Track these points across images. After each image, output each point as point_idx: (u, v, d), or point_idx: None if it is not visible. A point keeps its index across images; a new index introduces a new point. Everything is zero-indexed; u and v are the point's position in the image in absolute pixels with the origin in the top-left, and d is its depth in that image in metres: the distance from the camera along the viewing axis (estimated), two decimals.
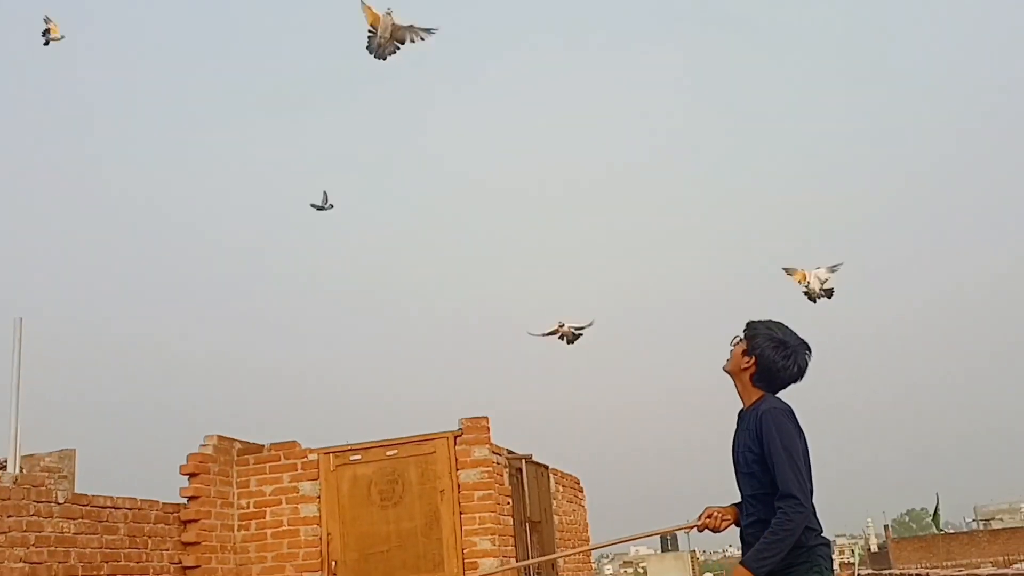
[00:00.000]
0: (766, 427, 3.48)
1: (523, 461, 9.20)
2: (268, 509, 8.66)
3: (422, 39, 8.23)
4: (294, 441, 8.76)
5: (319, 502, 8.43)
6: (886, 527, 59.31)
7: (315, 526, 8.42)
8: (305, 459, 8.61)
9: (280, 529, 8.58)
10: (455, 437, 8.21)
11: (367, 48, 8.23)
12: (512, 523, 8.58)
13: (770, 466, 3.46)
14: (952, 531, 69.05)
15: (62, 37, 11.02)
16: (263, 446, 8.86)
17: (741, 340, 3.65)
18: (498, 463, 8.42)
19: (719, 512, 3.71)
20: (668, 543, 65.39)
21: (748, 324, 3.66)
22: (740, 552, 3.53)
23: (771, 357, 3.55)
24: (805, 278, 10.02)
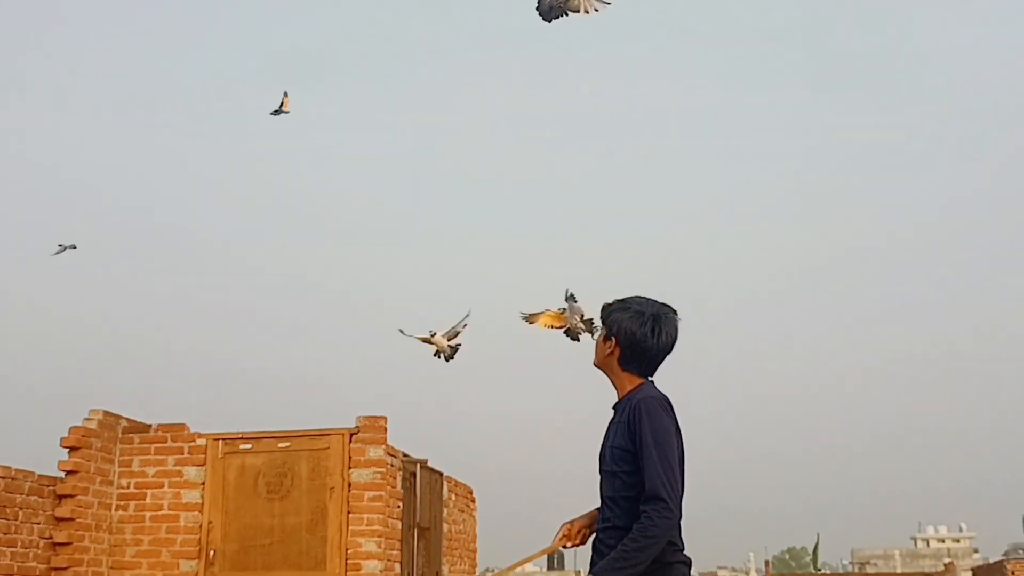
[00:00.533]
0: (638, 417, 3.03)
1: (418, 465, 9.11)
2: (149, 491, 8.37)
3: (596, 11, 7.16)
4: (183, 424, 8.51)
5: (203, 489, 8.20)
6: (766, 562, 60.54)
7: (196, 513, 8.18)
8: (193, 443, 8.37)
9: (160, 513, 8.31)
10: (351, 435, 8.08)
11: (536, 5, 6.91)
12: (400, 527, 8.47)
13: (639, 463, 3.01)
14: (828, 572, 71.15)
15: (288, 112, 10.79)
16: (150, 426, 8.58)
17: (601, 329, 3.26)
18: (392, 465, 8.32)
19: (576, 525, 3.27)
20: (555, 561, 65.87)
21: (603, 307, 3.28)
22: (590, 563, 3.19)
23: (632, 331, 3.15)
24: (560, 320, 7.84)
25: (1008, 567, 28.87)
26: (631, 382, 3.19)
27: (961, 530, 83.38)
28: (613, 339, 3.17)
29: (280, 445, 8.10)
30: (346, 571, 7.81)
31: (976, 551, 73.06)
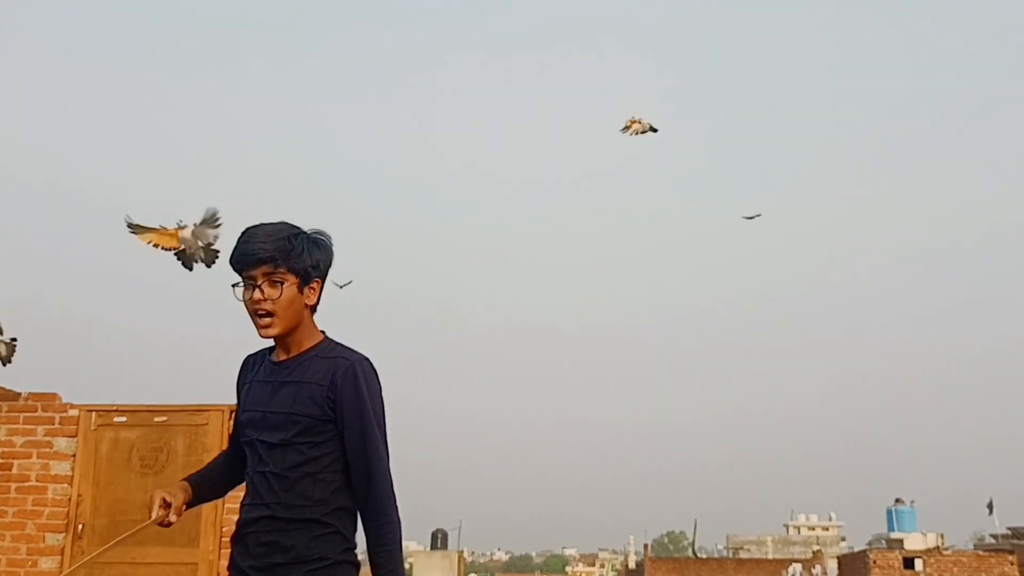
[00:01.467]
0: (353, 383, 2.45)
1: None
2: (16, 461, 8.05)
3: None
4: (55, 393, 8.20)
5: (74, 461, 7.93)
6: (646, 546, 62.25)
7: (65, 485, 7.90)
8: (64, 414, 8.07)
9: (26, 484, 7.99)
10: (231, 411, 7.91)
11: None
12: None
13: (350, 441, 2.45)
14: (705, 556, 73.50)
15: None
16: (20, 394, 8.23)
17: (273, 270, 2.45)
18: None
19: (180, 497, 2.65)
20: (439, 541, 66.15)
21: (279, 238, 2.45)
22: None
23: (326, 270, 2.56)
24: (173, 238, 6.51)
25: (871, 556, 30.49)
26: (313, 336, 2.55)
27: (831, 519, 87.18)
28: (317, 282, 2.52)
29: (156, 419, 7.89)
30: (220, 548, 7.68)
31: (843, 540, 76.46)
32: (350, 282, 10.93)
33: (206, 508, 7.70)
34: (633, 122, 10.38)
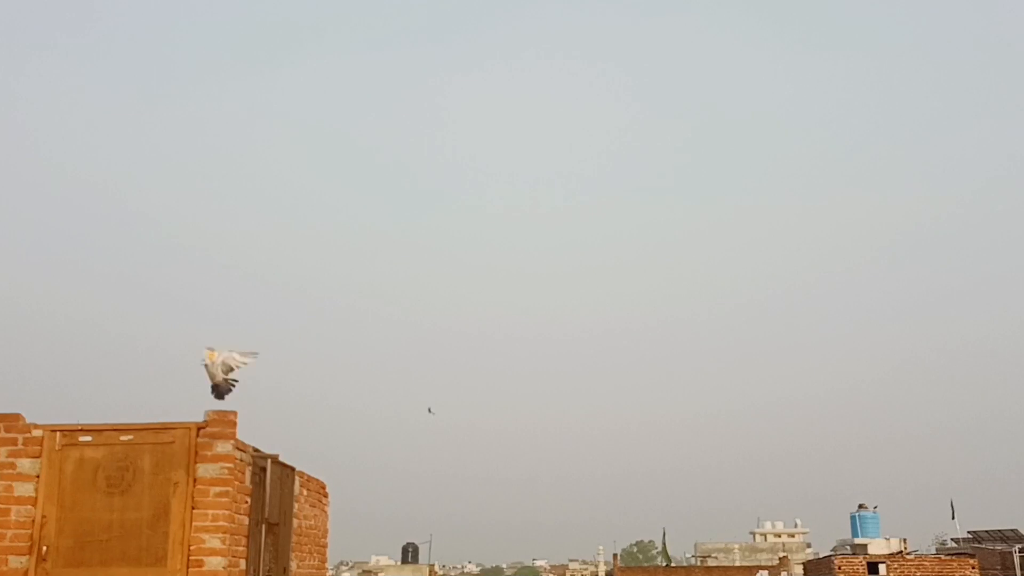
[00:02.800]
0: None
1: (269, 460, 8.98)
2: None
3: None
4: (18, 413, 8.11)
5: (37, 481, 7.84)
6: (615, 555, 62.33)
7: (29, 507, 7.82)
8: (28, 434, 7.98)
9: None
10: (199, 429, 7.89)
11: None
12: (248, 523, 8.34)
13: None
14: (673, 564, 73.63)
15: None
16: None
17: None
18: (241, 460, 8.18)
19: None
20: (409, 555, 65.73)
21: None
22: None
23: None
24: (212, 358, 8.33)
25: (835, 562, 30.78)
26: None
27: (796, 526, 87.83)
28: None
29: (123, 438, 7.83)
30: (188, 567, 7.63)
31: (809, 546, 77.02)
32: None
33: (173, 526, 7.67)
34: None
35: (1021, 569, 37.18)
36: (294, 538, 10.06)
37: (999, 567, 38.30)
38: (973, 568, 30.01)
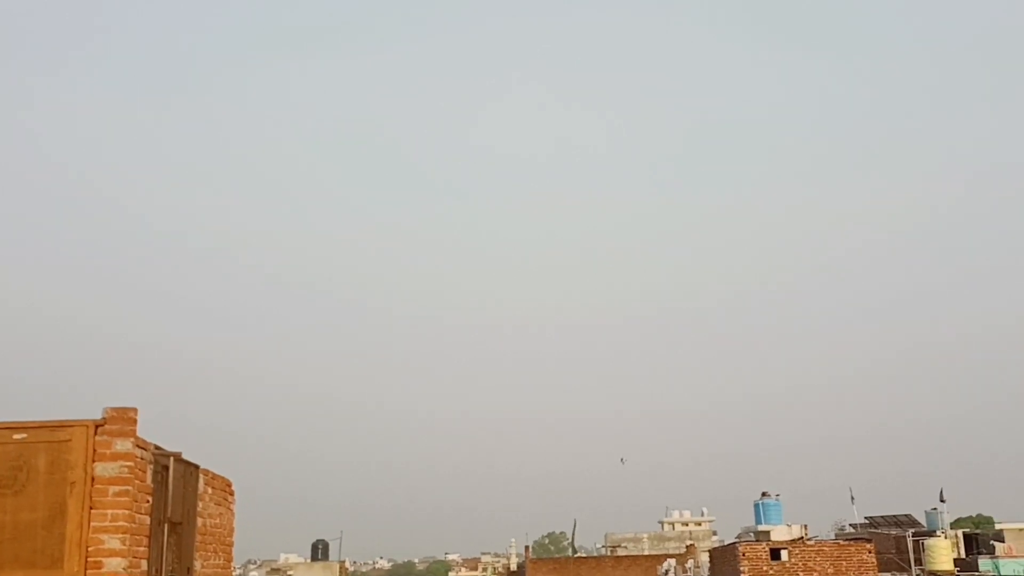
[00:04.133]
0: None
1: (171, 459, 8.77)
2: None
3: None
4: None
5: None
6: (527, 547, 62.81)
7: None
8: None
9: None
10: (97, 427, 7.65)
11: None
12: (149, 523, 8.13)
13: None
14: (584, 555, 74.53)
15: None
16: None
17: None
18: (142, 458, 7.96)
19: None
20: (319, 552, 64.90)
21: None
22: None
23: None
24: None
25: (740, 549, 31.62)
26: None
27: (703, 514, 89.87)
28: None
29: (16, 436, 7.54)
30: (86, 569, 7.40)
31: (715, 534, 78.93)
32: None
33: (70, 527, 7.43)
34: None
35: (914, 552, 38.81)
36: (198, 537, 9.84)
37: (894, 551, 39.90)
38: (869, 552, 31.21)
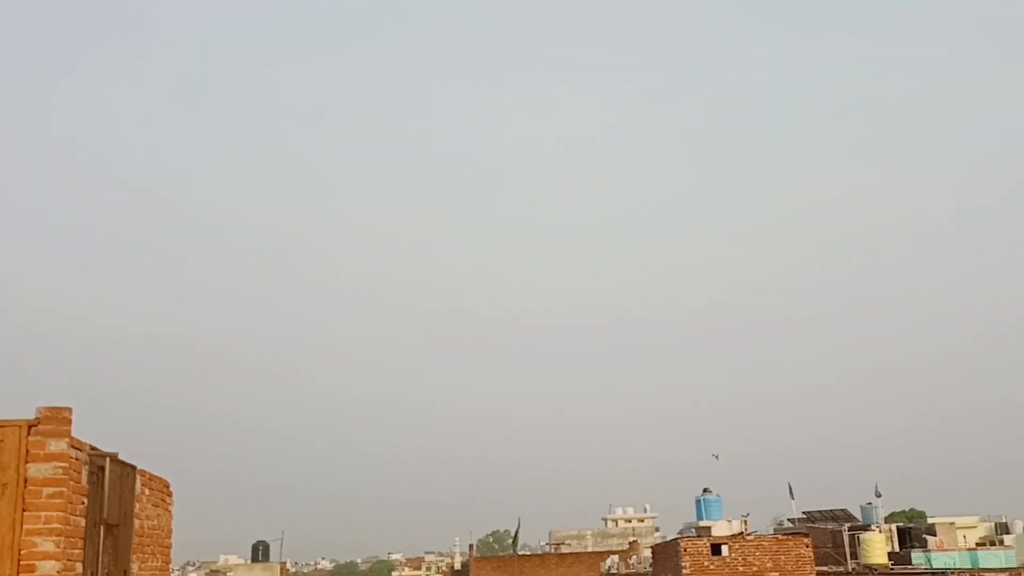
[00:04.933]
0: None
1: (107, 459, 8.59)
2: None
3: None
4: None
5: None
6: (471, 546, 62.82)
7: None
8: None
9: None
10: (30, 427, 7.46)
11: None
12: (84, 525, 7.96)
13: None
14: (528, 552, 74.78)
15: None
16: None
17: None
18: (77, 459, 7.79)
19: None
20: (260, 553, 64.12)
21: None
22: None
23: None
24: None
25: (681, 544, 32.00)
26: None
27: (646, 511, 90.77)
28: None
29: None
30: (18, 573, 7.22)
31: (657, 530, 79.78)
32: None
33: (2, 530, 7.24)
34: None
35: (849, 546, 39.69)
36: (135, 539, 9.67)
37: (830, 544, 40.76)
38: (807, 547, 31.81)
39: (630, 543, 59.59)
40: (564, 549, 68.86)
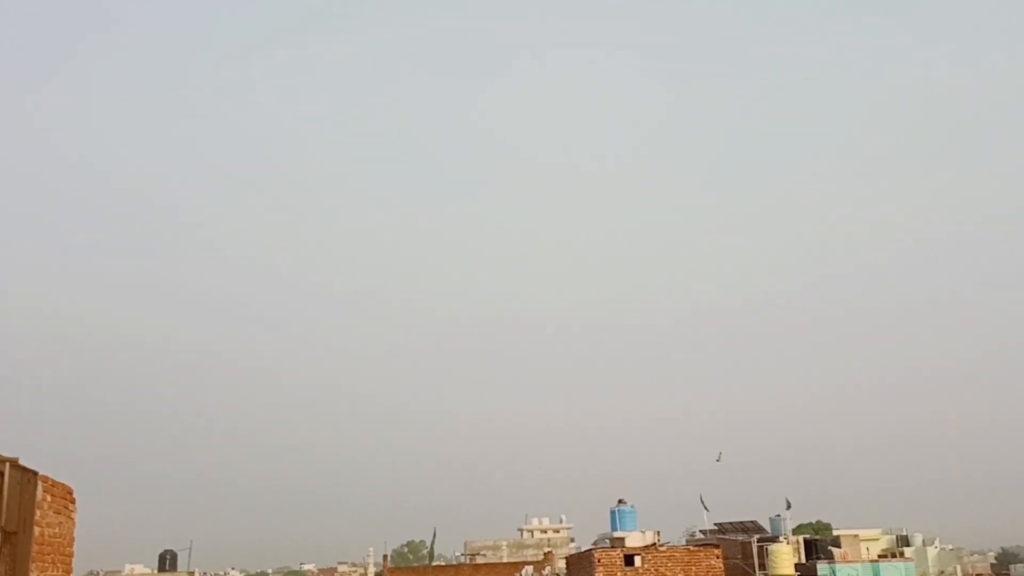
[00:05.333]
0: None
1: (7, 464, 8.33)
2: None
3: None
4: None
5: None
6: (385, 556, 62.33)
7: None
8: None
9: None
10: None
11: None
12: None
13: None
14: (443, 563, 74.55)
15: None
16: None
17: None
18: None
19: None
20: (167, 563, 62.49)
21: None
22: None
23: None
24: None
25: (595, 555, 32.29)
26: None
27: (561, 521, 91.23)
28: None
29: None
30: None
31: (572, 540, 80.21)
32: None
33: None
34: None
35: (758, 557, 40.54)
36: (35, 547, 9.36)
37: (740, 556, 41.58)
38: (717, 558, 32.43)
39: (545, 554, 59.83)
40: (479, 560, 68.78)
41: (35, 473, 9.38)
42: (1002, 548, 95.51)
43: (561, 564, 46.55)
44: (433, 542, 72.49)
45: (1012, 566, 68.17)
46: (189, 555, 60.24)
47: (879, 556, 48.42)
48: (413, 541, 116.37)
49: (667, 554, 32.52)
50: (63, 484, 10.68)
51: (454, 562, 76.02)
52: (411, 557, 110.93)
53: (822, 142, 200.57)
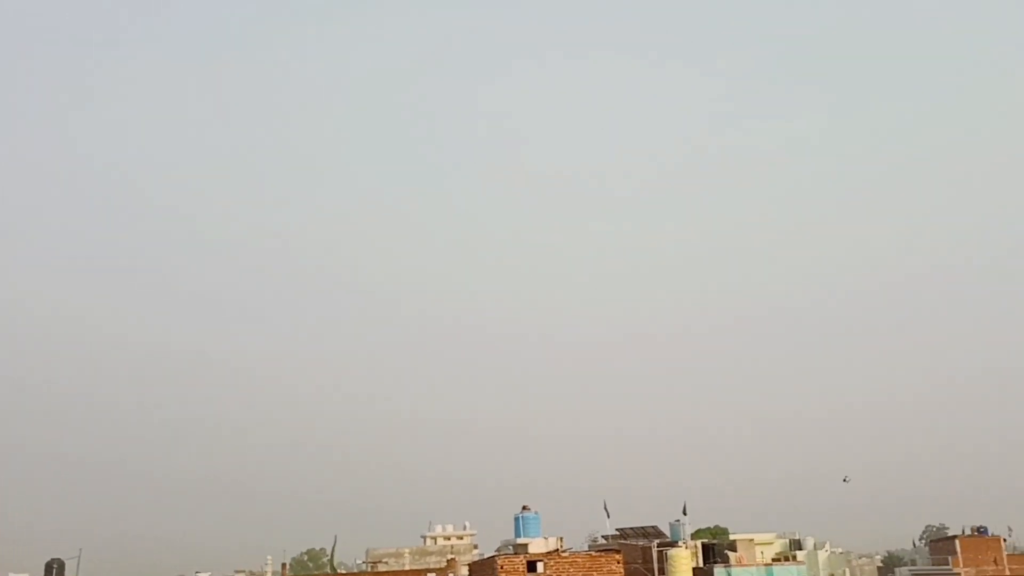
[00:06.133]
0: None
1: None
2: None
3: None
4: None
5: None
6: (284, 564, 61.16)
7: None
8: None
9: None
10: None
11: None
12: None
13: None
14: (344, 571, 73.50)
15: None
16: None
17: None
18: None
19: None
20: (54, 572, 60.03)
21: None
22: None
23: None
24: None
25: (498, 561, 32.32)
26: None
27: (465, 528, 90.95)
28: None
29: None
30: None
31: (476, 547, 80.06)
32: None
33: None
34: None
35: (658, 562, 41.20)
36: None
37: (640, 561, 42.18)
38: (618, 563, 32.85)
39: (448, 561, 59.62)
40: (381, 567, 68.09)
41: None
42: (888, 552, 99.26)
43: (464, 571, 46.44)
44: (334, 550, 71.53)
45: (897, 569, 70.98)
46: (78, 564, 58.08)
47: (773, 560, 49.74)
48: (313, 549, 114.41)
49: (569, 560, 32.78)
50: None
51: (355, 570, 75.00)
52: (311, 565, 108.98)
53: None
